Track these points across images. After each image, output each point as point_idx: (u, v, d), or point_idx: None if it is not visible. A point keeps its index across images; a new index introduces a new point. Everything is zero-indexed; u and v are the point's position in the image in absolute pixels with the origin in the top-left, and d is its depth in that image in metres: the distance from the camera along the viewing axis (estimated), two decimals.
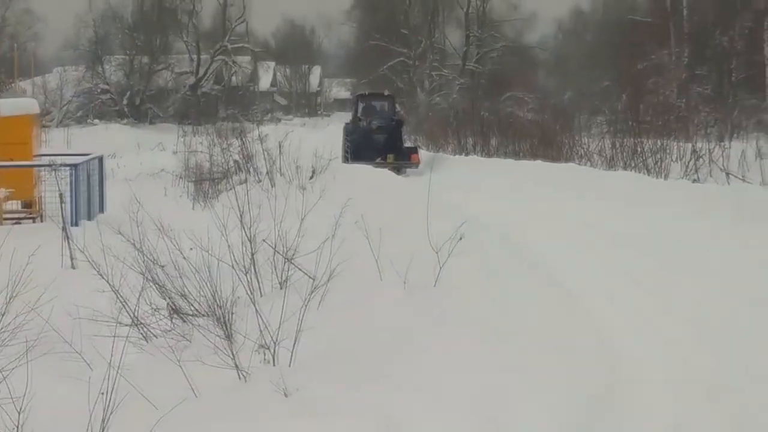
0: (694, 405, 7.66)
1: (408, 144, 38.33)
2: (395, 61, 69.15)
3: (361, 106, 38.58)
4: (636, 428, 7.22)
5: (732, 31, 46.72)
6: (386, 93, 43.35)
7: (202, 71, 78.50)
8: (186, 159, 30.06)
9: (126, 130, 62.59)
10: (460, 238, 9.77)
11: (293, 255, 10.35)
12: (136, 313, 9.49)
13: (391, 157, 34.76)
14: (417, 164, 34.76)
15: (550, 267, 12.45)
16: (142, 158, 41.37)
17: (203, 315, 9.16)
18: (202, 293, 9.24)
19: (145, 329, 9.57)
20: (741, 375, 8.30)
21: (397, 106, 40.27)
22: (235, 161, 27.29)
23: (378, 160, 33.92)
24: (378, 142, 35.51)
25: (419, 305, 9.04)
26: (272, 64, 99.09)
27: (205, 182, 26.99)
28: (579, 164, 28.23)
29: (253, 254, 10.13)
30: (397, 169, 33.20)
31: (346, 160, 33.98)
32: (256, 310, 8.11)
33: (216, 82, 79.25)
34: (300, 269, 10.10)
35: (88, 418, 6.33)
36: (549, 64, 76.13)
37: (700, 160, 24.94)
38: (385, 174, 25.33)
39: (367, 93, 42.12)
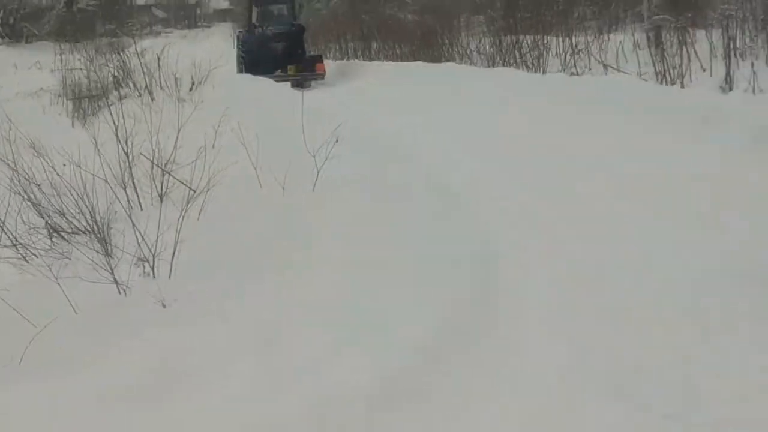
0: None
1: (311, 52, 34.81)
2: None
3: (256, 10, 34.41)
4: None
5: None
6: None
7: None
8: (64, 77, 29.53)
9: (1, 50, 61.16)
10: (336, 141, 9.80)
11: (171, 167, 10.28)
12: (15, 234, 9.36)
13: (292, 69, 31.51)
14: (323, 75, 31.52)
15: (424, 161, 12.69)
16: (18, 78, 40.49)
17: (82, 232, 9.08)
18: (79, 210, 9.15)
19: (24, 249, 9.44)
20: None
21: (298, 8, 36.25)
22: (114, 77, 26.84)
23: (278, 72, 30.96)
24: (277, 51, 32.06)
25: (297, 210, 9.08)
26: None
27: (84, 99, 26.55)
28: (459, 63, 28.38)
29: (129, 168, 10.04)
30: (300, 83, 30.55)
31: (241, 71, 31.56)
32: (132, 223, 8.06)
33: None
34: (178, 180, 10.05)
35: None
36: None
37: (578, 54, 25.14)
38: (266, 83, 24.90)
39: None
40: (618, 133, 13.87)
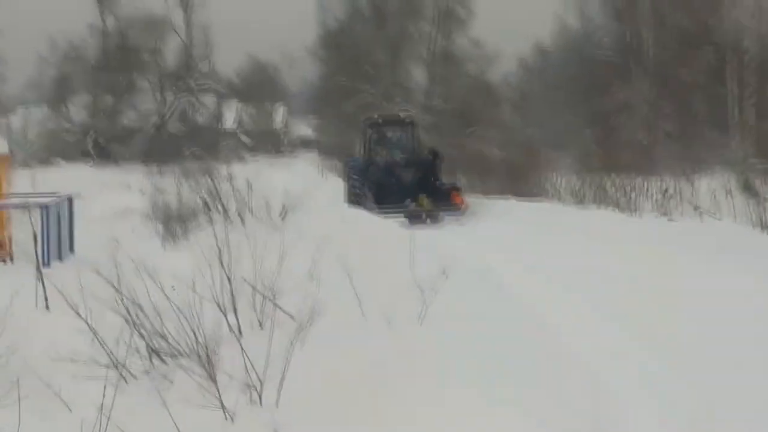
0: None
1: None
2: (360, 98, 68.99)
3: (373, 135, 31.04)
4: None
5: (694, 66, 47.06)
6: (405, 117, 34.56)
7: (166, 110, 78.45)
8: (154, 199, 29.97)
9: (91, 171, 62.39)
10: (446, 276, 9.71)
11: (273, 294, 10.26)
12: (116, 355, 9.37)
13: (424, 200, 27.69)
14: (461, 208, 27.40)
15: (534, 306, 12.28)
16: (108, 198, 41.14)
17: (185, 355, 9.06)
18: (183, 333, 9.15)
19: (124, 370, 9.44)
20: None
21: (418, 133, 32.31)
22: (204, 200, 27.16)
23: (408, 203, 27.56)
24: (406, 181, 28.51)
25: (404, 343, 8.98)
26: (236, 102, 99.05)
27: (173, 222, 26.88)
28: (549, 201, 28.36)
29: (232, 294, 10.04)
30: (433, 217, 27.25)
31: (353, 203, 28.15)
32: (242, 348, 8.03)
33: (180, 121, 79.20)
34: (281, 309, 10.02)
35: None
36: (512, 100, 76.32)
37: (672, 199, 25.07)
38: (358, 213, 24.03)
39: (379, 118, 32.88)
40: None
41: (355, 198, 28.73)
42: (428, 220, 27.07)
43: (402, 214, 26.63)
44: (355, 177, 29.53)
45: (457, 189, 28.80)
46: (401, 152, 29.99)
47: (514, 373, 8.34)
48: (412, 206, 27.61)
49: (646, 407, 7.89)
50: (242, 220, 22.80)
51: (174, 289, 9.78)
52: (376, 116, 33.41)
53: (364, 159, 30.55)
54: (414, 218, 26.91)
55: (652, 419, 7.73)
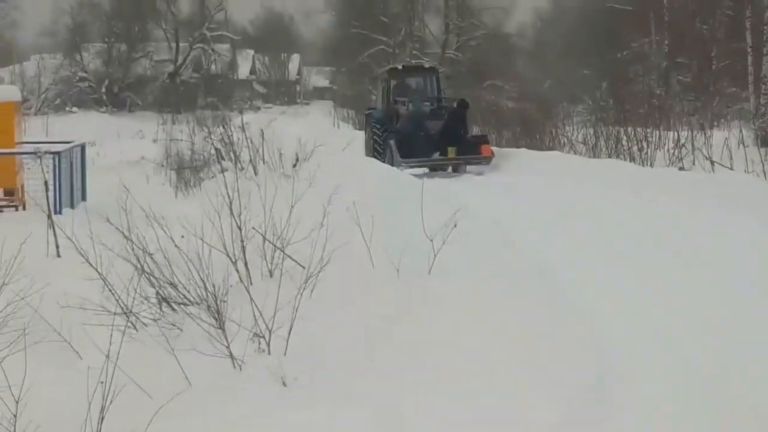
0: None
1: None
2: (375, 49, 68.66)
3: (394, 84, 28.65)
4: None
5: (712, 19, 46.72)
6: (427, 65, 33.10)
7: (180, 59, 78.35)
8: (167, 147, 30.04)
9: (105, 119, 62.49)
10: (455, 226, 9.64)
11: (283, 244, 10.24)
12: (125, 302, 9.39)
13: (452, 151, 25.81)
14: (489, 159, 25.88)
15: (545, 258, 12.09)
16: (121, 146, 41.26)
17: (194, 303, 9.08)
18: (192, 281, 9.16)
19: (134, 318, 9.46)
20: None
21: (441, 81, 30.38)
22: (217, 149, 27.14)
23: (436, 155, 25.87)
24: (433, 132, 26.27)
25: (413, 293, 8.94)
26: (251, 52, 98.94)
27: (186, 170, 26.93)
28: (562, 153, 28.18)
29: (243, 242, 10.04)
30: (457, 168, 26.39)
31: (375, 156, 26.14)
32: (251, 297, 8.02)
33: (195, 70, 79.08)
34: (291, 258, 9.99)
35: (84, 408, 6.24)
36: (528, 52, 76.02)
37: (684, 148, 24.93)
38: (370, 162, 23.59)
39: (401, 67, 30.69)
40: None
41: (376, 151, 26.85)
42: (450, 170, 26.63)
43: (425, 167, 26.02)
44: (377, 128, 27.42)
45: (486, 141, 27.12)
46: (425, 102, 27.98)
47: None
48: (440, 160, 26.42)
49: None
50: (255, 169, 22.74)
51: (183, 238, 9.79)
52: (398, 65, 31.48)
53: (384, 109, 28.45)
54: (434, 169, 26.42)
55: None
